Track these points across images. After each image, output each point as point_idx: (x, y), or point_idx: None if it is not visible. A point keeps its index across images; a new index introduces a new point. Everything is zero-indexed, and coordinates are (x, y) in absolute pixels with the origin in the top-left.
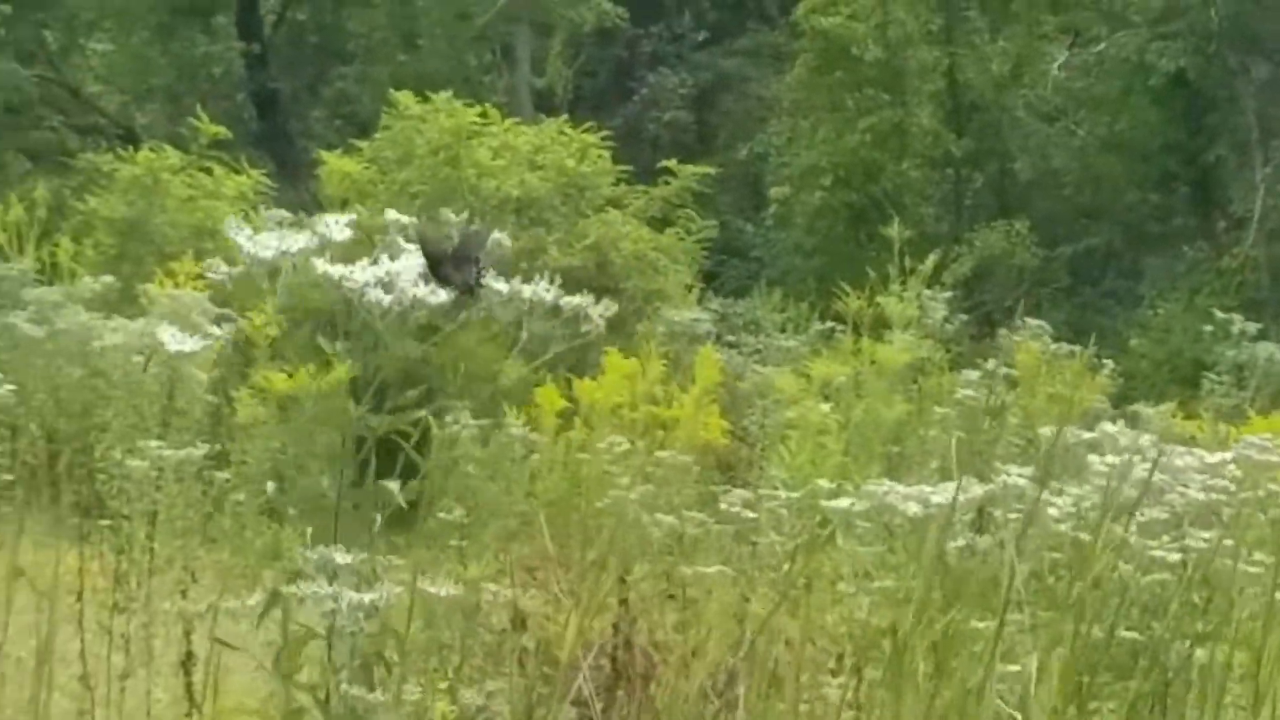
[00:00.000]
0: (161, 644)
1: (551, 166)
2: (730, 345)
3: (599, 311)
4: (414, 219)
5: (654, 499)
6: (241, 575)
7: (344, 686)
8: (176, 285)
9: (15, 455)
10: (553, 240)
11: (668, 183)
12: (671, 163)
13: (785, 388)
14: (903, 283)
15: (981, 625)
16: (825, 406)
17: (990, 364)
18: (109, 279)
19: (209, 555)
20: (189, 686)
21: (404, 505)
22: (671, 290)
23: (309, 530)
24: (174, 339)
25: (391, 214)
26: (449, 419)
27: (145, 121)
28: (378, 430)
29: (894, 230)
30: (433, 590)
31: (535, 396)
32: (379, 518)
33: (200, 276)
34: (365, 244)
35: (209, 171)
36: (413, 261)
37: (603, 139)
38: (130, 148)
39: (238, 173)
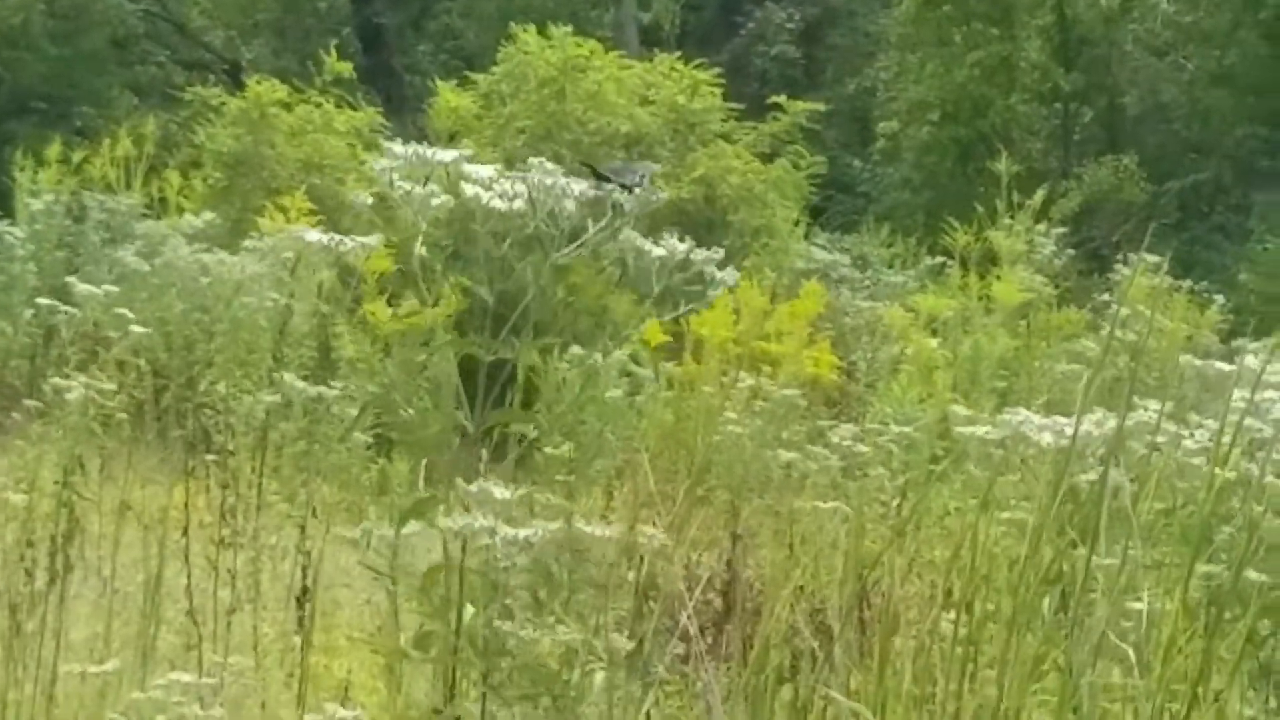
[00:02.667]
0: (269, 579)
1: (662, 103)
2: (838, 281)
3: (725, 274)
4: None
5: (762, 434)
6: (348, 509)
7: (495, 622)
8: (288, 220)
9: (122, 389)
10: (660, 173)
11: (776, 118)
12: (781, 98)
13: (893, 322)
14: (1011, 218)
15: (1106, 561)
16: (934, 342)
17: (1104, 299)
18: (210, 215)
19: (316, 490)
20: (301, 619)
21: (517, 439)
22: (779, 225)
23: (420, 464)
24: (321, 237)
25: (536, 161)
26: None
27: (251, 56)
28: (487, 358)
29: (1002, 165)
30: (588, 530)
31: (644, 332)
32: (485, 453)
33: (313, 212)
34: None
35: (318, 105)
36: (564, 179)
37: (717, 79)
38: (237, 82)
39: (351, 108)
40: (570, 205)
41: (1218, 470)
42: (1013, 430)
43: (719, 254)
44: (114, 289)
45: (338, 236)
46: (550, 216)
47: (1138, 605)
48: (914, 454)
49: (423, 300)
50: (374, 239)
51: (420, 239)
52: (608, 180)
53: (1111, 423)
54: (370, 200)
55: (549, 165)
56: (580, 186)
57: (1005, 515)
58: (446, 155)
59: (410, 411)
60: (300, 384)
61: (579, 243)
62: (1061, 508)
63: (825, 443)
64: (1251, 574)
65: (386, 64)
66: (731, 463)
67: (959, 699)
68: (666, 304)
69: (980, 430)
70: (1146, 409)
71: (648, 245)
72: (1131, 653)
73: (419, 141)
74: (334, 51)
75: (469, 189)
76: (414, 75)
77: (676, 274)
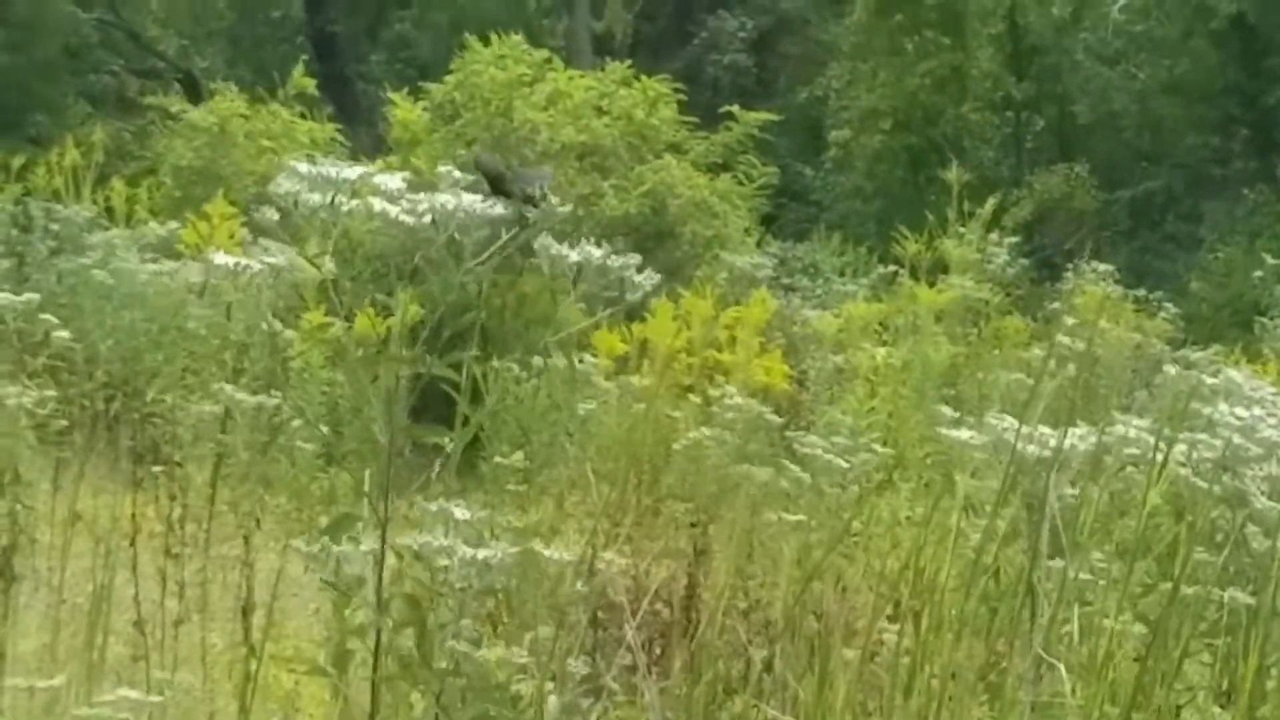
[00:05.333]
0: (218, 590)
1: (618, 114)
2: (789, 289)
3: (643, 278)
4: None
5: (722, 444)
6: (298, 520)
7: (450, 643)
8: (212, 228)
9: (72, 400)
10: (610, 186)
11: (729, 128)
12: (734, 108)
13: (824, 329)
14: (962, 226)
15: (1060, 567)
16: (880, 351)
17: (1054, 307)
18: (174, 225)
19: (266, 500)
20: (246, 630)
21: (449, 449)
22: (730, 235)
23: (364, 475)
24: (224, 260)
25: (444, 168)
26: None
27: (205, 65)
28: (428, 374)
29: (953, 174)
30: (548, 554)
31: (592, 342)
32: (436, 463)
33: (236, 218)
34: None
35: (276, 116)
36: (468, 198)
37: (671, 89)
38: (192, 91)
39: (304, 118)
40: (493, 212)
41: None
42: (996, 437)
43: (635, 258)
44: (35, 296)
45: (243, 260)
46: (460, 229)
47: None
48: (862, 462)
49: (334, 312)
50: (281, 259)
51: (329, 254)
52: (503, 189)
53: (1094, 437)
54: (276, 217)
55: (455, 174)
56: (479, 204)
57: (953, 522)
58: (352, 172)
59: (354, 424)
60: (244, 396)
61: (487, 254)
62: (1018, 516)
63: (790, 454)
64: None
65: (340, 73)
66: (688, 474)
67: (900, 711)
68: (617, 312)
69: (965, 436)
70: (1128, 424)
71: (562, 250)
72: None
73: (377, 153)
74: (301, 66)
75: (377, 204)
76: (368, 84)
77: (598, 279)
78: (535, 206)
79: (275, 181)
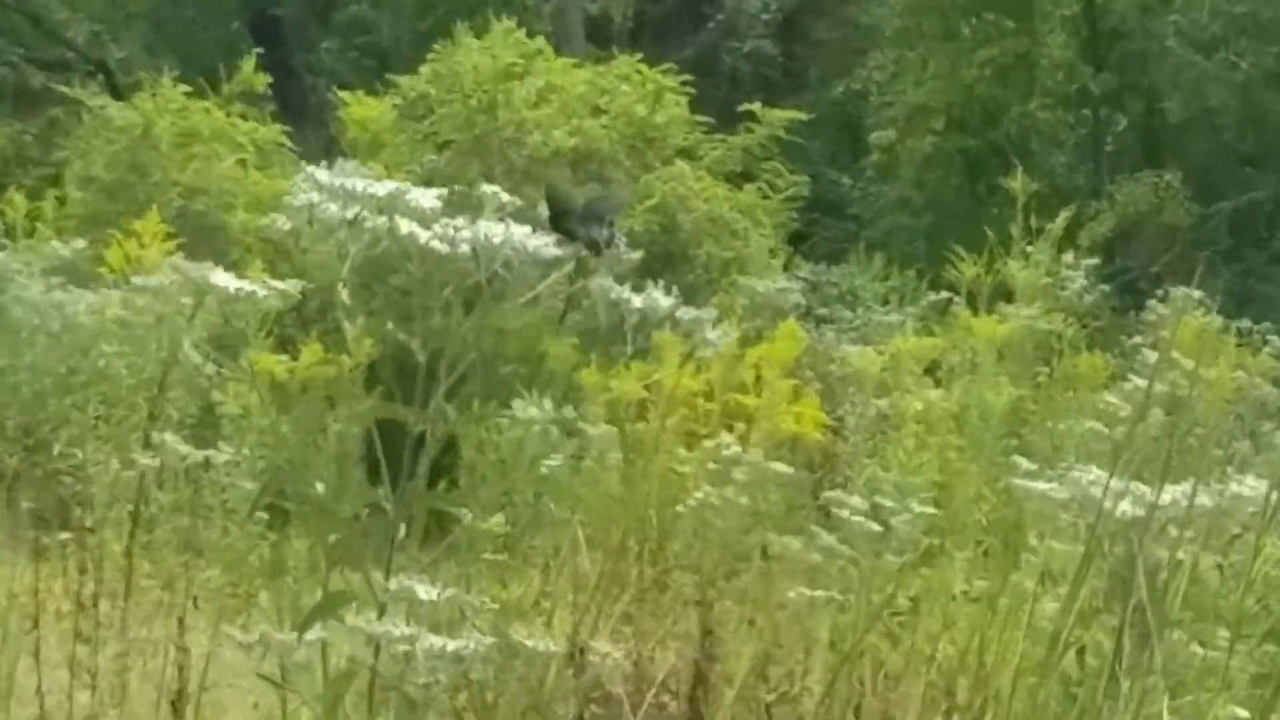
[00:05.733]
0: (137, 679)
1: (617, 113)
2: (823, 321)
3: (718, 335)
4: (513, 198)
5: (735, 505)
6: (234, 596)
7: None
8: (141, 247)
9: None
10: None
11: (750, 129)
12: (755, 105)
13: (864, 367)
14: (1029, 245)
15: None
16: (932, 394)
17: (1136, 342)
18: (81, 243)
19: (197, 573)
20: None
21: (427, 513)
22: (753, 256)
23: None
24: (231, 282)
25: (488, 188)
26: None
27: (122, 55)
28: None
29: (1018, 182)
30: (529, 644)
31: (586, 382)
32: (403, 527)
33: (170, 236)
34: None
35: (208, 113)
36: (518, 231)
37: (681, 83)
38: (107, 86)
39: (244, 117)
40: (548, 253)
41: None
42: (1081, 492)
43: (710, 312)
44: None
45: (249, 283)
46: (505, 264)
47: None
48: (908, 526)
49: (327, 348)
50: (292, 284)
51: (343, 282)
52: (566, 226)
53: (1202, 497)
54: (286, 227)
55: (501, 197)
56: (531, 240)
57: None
58: (382, 187)
59: (314, 484)
60: (184, 447)
61: (532, 294)
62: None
63: (824, 517)
64: None
65: (285, 63)
66: (698, 540)
67: None
68: (587, 347)
69: (1044, 488)
70: (1239, 481)
71: (624, 294)
72: None
73: (326, 158)
74: (253, 59)
75: (405, 226)
76: (318, 76)
77: (655, 329)
78: (598, 253)
79: (292, 192)
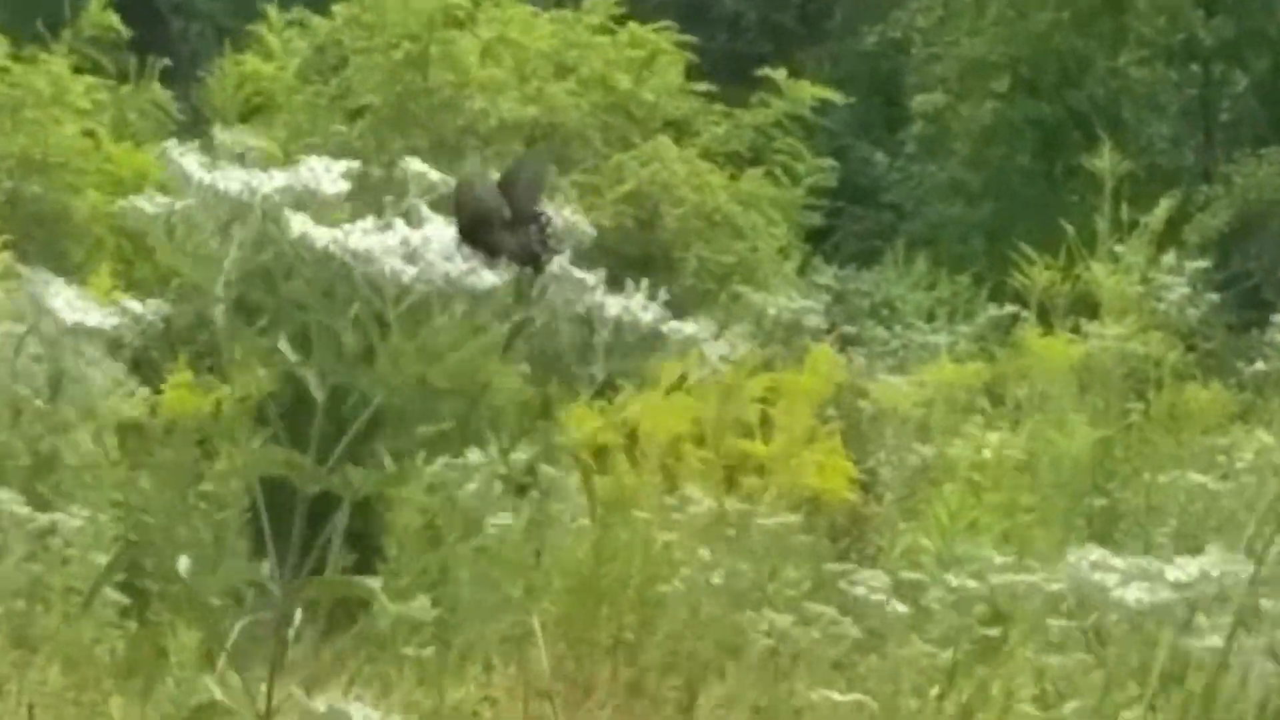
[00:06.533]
0: None
1: (591, 79)
2: (850, 342)
3: (719, 351)
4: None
5: (737, 584)
6: (77, 704)
7: None
8: None
9: None
10: (572, 183)
11: (766, 102)
12: (778, 73)
13: (903, 402)
14: (1119, 243)
15: None
16: (990, 436)
17: (1259, 368)
18: None
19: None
20: None
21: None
22: (760, 260)
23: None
24: (71, 307)
25: (414, 164)
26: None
27: None
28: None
29: (1104, 161)
30: None
31: (543, 422)
32: (299, 613)
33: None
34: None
35: (44, 70)
36: (442, 230)
37: (678, 44)
38: None
39: (83, 70)
40: (476, 283)
41: None
42: (1078, 580)
43: (710, 327)
44: None
45: (93, 310)
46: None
47: None
48: (961, 614)
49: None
50: (153, 306)
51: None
52: (487, 241)
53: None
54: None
55: (425, 176)
56: (449, 266)
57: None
58: (275, 180)
59: (180, 557)
60: (20, 508)
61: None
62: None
63: (829, 597)
64: None
65: (147, 4)
66: (683, 629)
67: None
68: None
69: (1028, 582)
70: None
71: (596, 301)
72: None
73: (198, 125)
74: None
75: (298, 224)
76: (190, 20)
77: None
78: (539, 267)
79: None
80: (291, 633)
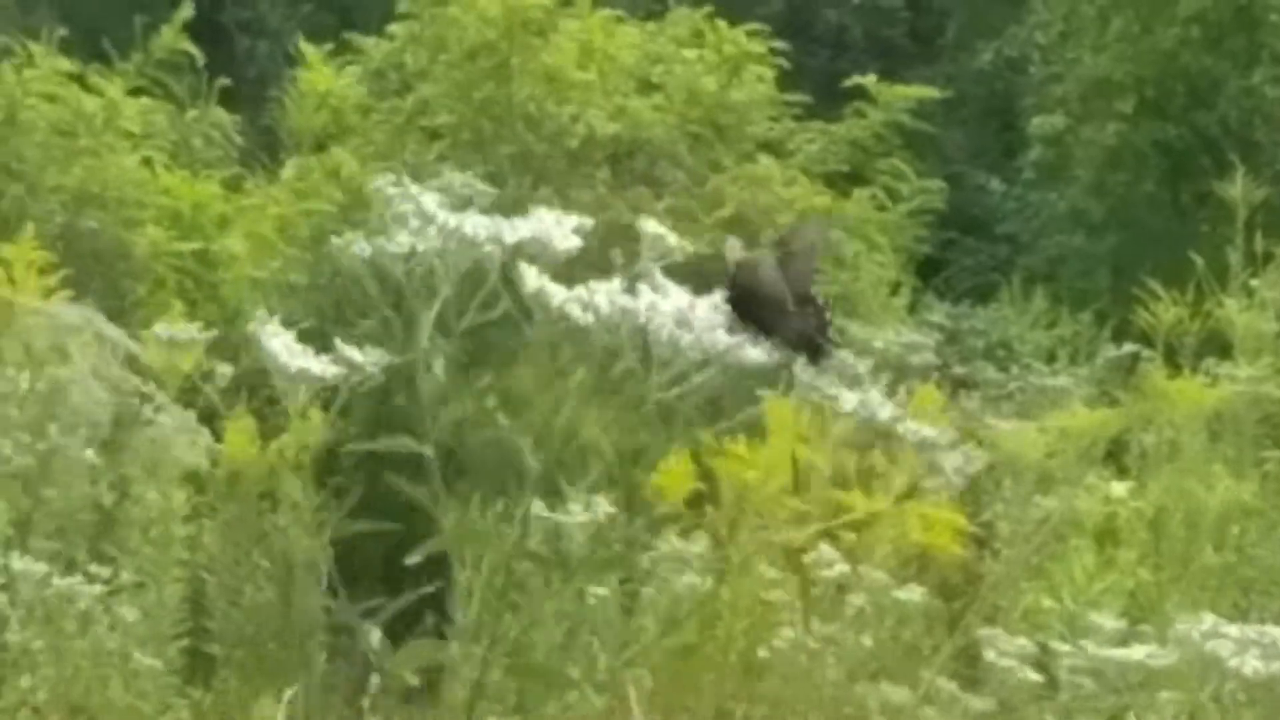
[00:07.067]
0: None
1: (677, 89)
2: (962, 384)
3: (955, 463)
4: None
5: (848, 647)
6: None
7: None
8: (11, 282)
9: None
10: (664, 208)
11: (862, 113)
12: (869, 79)
13: (1022, 450)
14: (1255, 277)
15: None
16: (1117, 487)
17: None
18: None
19: None
20: None
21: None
22: (863, 291)
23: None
24: (290, 351)
25: (650, 225)
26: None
27: None
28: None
29: (1238, 189)
30: None
31: (638, 472)
32: (375, 679)
33: (52, 267)
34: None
35: (102, 94)
36: (688, 297)
37: (770, 50)
38: None
39: (141, 93)
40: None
41: None
42: (1193, 651)
43: (948, 434)
44: None
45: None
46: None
47: None
48: (1102, 685)
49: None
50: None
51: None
52: (760, 318)
53: None
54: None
55: (668, 239)
56: (719, 333)
57: None
58: (520, 229)
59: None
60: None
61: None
62: None
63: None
64: None
65: (212, 22)
66: (793, 699)
67: None
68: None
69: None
70: None
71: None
72: None
73: (263, 150)
74: (179, 19)
75: (531, 278)
76: (257, 39)
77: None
78: (816, 356)
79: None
80: (367, 701)
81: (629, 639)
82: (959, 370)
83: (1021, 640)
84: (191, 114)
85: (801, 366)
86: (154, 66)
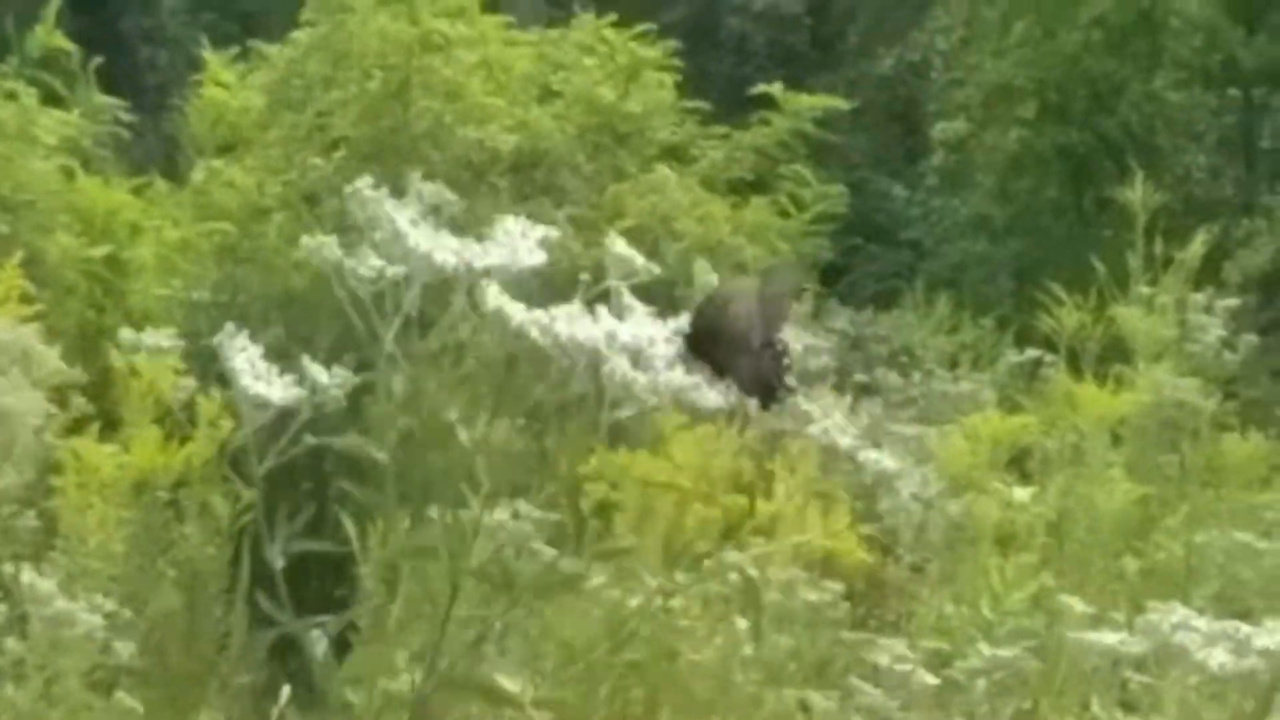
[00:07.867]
0: None
1: (575, 98)
2: (865, 390)
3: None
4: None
5: (772, 656)
6: None
7: None
8: None
9: None
10: (564, 216)
11: (767, 120)
12: (774, 88)
13: (925, 455)
14: (1153, 282)
15: None
16: (1020, 493)
17: None
18: None
19: None
20: None
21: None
22: None
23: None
24: (254, 372)
25: (617, 244)
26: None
27: None
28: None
29: (1137, 193)
30: None
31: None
32: (286, 689)
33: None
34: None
35: (10, 96)
36: (650, 326)
37: (670, 53)
38: None
39: (49, 101)
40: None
41: None
42: (1160, 640)
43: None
44: None
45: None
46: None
47: None
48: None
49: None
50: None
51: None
52: (717, 360)
53: None
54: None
55: (635, 260)
56: (682, 379)
57: None
58: (487, 255)
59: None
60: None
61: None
62: None
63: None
64: None
65: (112, 27)
66: (707, 707)
67: None
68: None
69: (1112, 640)
70: None
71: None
72: None
73: (163, 159)
74: (52, 13)
75: (492, 298)
76: (158, 47)
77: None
78: (769, 402)
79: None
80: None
81: (540, 652)
82: (860, 376)
83: (926, 643)
84: (76, 111)
85: (754, 408)
86: (34, 67)
